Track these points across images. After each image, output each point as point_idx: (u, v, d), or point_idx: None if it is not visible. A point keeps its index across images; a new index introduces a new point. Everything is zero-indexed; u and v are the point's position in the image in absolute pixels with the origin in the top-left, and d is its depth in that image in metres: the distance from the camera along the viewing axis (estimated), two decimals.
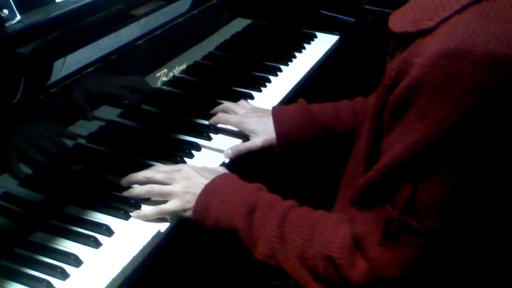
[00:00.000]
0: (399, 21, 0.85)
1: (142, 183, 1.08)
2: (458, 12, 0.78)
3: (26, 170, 1.01)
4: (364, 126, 0.94)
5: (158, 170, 1.09)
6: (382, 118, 0.86)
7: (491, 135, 0.76)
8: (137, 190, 1.07)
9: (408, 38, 0.83)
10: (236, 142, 1.26)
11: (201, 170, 1.09)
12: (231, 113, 1.30)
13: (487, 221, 0.84)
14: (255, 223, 0.97)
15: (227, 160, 1.21)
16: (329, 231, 0.92)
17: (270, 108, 1.28)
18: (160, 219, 1.04)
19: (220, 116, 1.29)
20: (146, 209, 1.04)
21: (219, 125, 1.30)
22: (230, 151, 1.22)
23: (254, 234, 0.97)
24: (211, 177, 1.06)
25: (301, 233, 0.93)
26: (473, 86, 0.74)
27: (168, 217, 1.04)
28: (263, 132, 1.24)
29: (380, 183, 0.84)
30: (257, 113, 1.28)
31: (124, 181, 1.09)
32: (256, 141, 1.23)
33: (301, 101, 1.28)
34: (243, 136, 1.27)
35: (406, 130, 0.80)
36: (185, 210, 1.04)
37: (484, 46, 0.74)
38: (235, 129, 1.28)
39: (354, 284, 0.87)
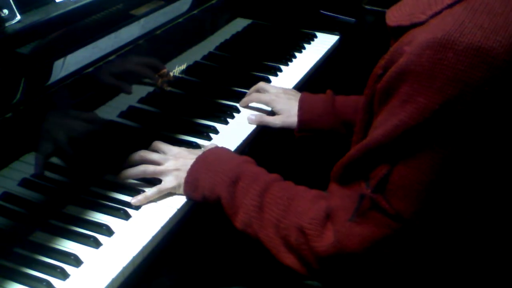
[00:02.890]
0: (395, 15, 0.88)
1: (137, 162, 1.12)
2: (450, 6, 0.79)
3: (26, 170, 1.01)
4: (358, 117, 0.95)
5: (153, 151, 1.15)
6: (373, 107, 0.87)
7: (469, 127, 0.77)
8: (133, 170, 1.10)
9: (402, 31, 0.85)
10: (236, 142, 1.26)
11: (193, 150, 1.15)
12: (264, 92, 1.38)
13: (459, 212, 0.85)
14: (237, 193, 1.01)
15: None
16: (306, 204, 0.94)
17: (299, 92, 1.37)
18: (160, 219, 1.04)
19: (253, 95, 1.38)
20: (147, 191, 1.07)
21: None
22: (253, 117, 1.32)
23: (236, 203, 1.00)
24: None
25: (279, 204, 0.96)
26: (455, 76, 0.75)
27: (168, 218, 1.04)
28: (288, 114, 1.32)
29: (359, 161, 0.86)
30: (288, 95, 1.36)
31: (124, 166, 1.13)
32: (277, 120, 1.33)
33: (328, 91, 1.34)
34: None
35: (389, 115, 0.81)
36: (180, 185, 1.07)
37: (470, 38, 0.75)
38: (265, 107, 1.37)
39: (319, 255, 0.89)
